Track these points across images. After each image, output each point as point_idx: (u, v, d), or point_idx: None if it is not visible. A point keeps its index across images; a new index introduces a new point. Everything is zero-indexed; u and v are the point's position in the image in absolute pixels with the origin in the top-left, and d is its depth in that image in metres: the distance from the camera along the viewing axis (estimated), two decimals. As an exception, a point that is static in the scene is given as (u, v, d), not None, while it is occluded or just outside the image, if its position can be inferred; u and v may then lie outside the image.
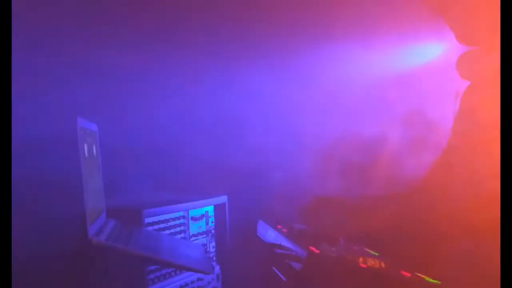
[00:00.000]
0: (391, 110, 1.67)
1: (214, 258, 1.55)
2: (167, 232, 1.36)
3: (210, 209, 1.53)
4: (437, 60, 1.60)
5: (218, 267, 1.53)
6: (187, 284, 1.40)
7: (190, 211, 1.44)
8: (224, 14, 1.56)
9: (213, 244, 1.54)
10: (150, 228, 1.30)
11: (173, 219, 1.38)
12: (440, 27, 1.50)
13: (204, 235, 1.51)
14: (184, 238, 1.42)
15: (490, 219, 0.99)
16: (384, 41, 1.64)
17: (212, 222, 1.54)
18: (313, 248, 1.19)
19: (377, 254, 1.29)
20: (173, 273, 1.36)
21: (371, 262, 1.13)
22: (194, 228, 1.46)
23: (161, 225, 1.34)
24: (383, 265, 1.14)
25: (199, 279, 1.43)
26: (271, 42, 1.62)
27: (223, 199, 1.55)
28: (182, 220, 1.42)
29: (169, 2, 1.49)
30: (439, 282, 1.11)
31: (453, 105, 1.50)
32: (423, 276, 1.13)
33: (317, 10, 1.60)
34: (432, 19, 1.48)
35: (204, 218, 1.51)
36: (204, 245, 1.50)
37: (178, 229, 1.40)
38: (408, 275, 1.12)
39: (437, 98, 1.62)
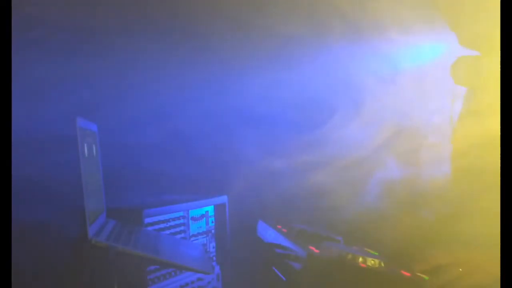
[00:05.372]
0: (391, 110, 1.67)
1: (214, 258, 1.55)
2: (167, 232, 1.36)
3: (210, 209, 1.53)
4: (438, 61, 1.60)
5: (218, 267, 1.53)
6: (187, 284, 1.40)
7: (190, 211, 1.44)
8: (224, 13, 1.55)
9: (213, 244, 1.54)
10: (150, 228, 1.30)
11: (173, 219, 1.38)
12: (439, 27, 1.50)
13: (204, 235, 1.51)
14: (184, 238, 1.42)
15: (490, 219, 0.99)
16: (385, 40, 1.63)
17: (212, 222, 1.54)
18: (313, 248, 1.19)
19: (377, 254, 1.29)
20: (173, 273, 1.36)
21: (371, 262, 1.13)
22: (194, 228, 1.46)
23: (161, 225, 1.34)
24: (383, 265, 1.14)
25: (199, 279, 1.43)
26: (272, 41, 1.62)
27: (223, 199, 1.55)
28: (182, 220, 1.42)
29: (170, 2, 1.49)
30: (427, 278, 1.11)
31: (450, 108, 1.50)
32: (423, 276, 1.13)
33: (316, 8, 1.60)
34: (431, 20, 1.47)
35: (204, 218, 1.51)
36: (204, 245, 1.51)
37: (178, 229, 1.40)
38: (408, 275, 1.12)
39: (436, 99, 1.61)
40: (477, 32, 1.21)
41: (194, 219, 1.46)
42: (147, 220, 1.29)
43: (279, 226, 1.49)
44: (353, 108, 1.69)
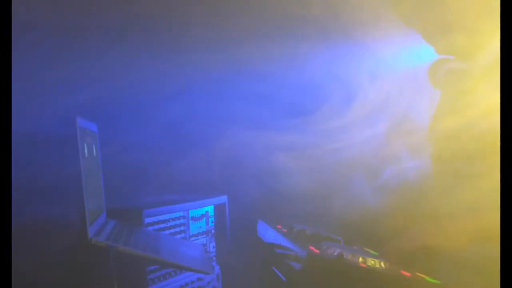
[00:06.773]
0: (392, 110, 1.67)
1: (214, 258, 1.55)
2: (167, 232, 1.36)
3: (210, 209, 1.53)
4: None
5: (218, 267, 1.53)
6: (187, 284, 1.40)
7: (190, 211, 1.44)
8: (224, 14, 1.56)
9: (213, 244, 1.54)
10: (150, 228, 1.30)
11: (173, 219, 1.38)
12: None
13: (204, 235, 1.51)
14: (184, 238, 1.42)
15: (490, 219, 0.99)
16: (384, 40, 1.63)
17: (212, 222, 1.54)
18: (313, 248, 1.19)
19: (377, 254, 1.30)
20: (173, 273, 1.36)
21: (371, 262, 1.13)
22: (194, 228, 1.46)
23: (161, 225, 1.34)
24: (383, 265, 1.14)
25: (199, 279, 1.43)
26: (272, 40, 1.62)
27: (223, 199, 1.55)
28: (182, 220, 1.42)
29: (171, 3, 1.49)
30: (439, 282, 1.11)
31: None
32: (423, 276, 1.13)
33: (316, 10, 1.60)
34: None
35: (204, 218, 1.51)
36: (204, 245, 1.51)
37: (178, 229, 1.40)
38: (408, 275, 1.12)
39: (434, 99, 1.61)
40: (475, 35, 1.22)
41: (194, 219, 1.46)
42: (147, 220, 1.29)
43: (279, 226, 1.49)
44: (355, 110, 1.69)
